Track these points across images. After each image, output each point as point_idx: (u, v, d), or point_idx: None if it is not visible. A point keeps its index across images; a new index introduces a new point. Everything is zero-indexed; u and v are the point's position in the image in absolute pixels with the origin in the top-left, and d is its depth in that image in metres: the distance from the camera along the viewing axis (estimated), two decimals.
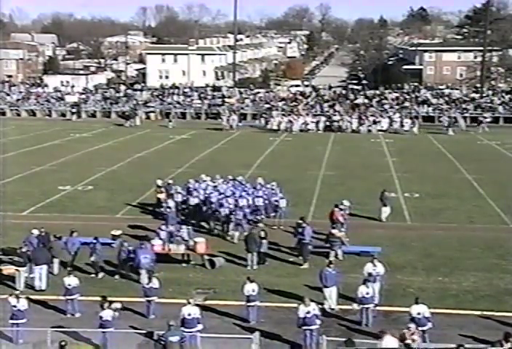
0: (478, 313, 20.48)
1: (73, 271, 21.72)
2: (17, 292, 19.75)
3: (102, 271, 23.81)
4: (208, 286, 22.63)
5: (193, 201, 29.92)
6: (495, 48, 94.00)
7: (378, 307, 20.36)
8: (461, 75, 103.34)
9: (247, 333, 18.40)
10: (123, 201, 33.97)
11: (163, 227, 25.81)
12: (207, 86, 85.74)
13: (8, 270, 22.83)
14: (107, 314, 18.22)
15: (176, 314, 18.38)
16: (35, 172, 41.58)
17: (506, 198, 34.68)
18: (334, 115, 63.23)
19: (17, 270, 22.59)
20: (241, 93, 75.10)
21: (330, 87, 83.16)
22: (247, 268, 24.27)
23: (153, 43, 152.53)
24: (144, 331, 18.54)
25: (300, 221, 25.89)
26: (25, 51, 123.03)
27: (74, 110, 69.40)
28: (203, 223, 29.37)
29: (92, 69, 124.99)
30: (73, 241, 24.42)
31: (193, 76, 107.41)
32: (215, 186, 31.05)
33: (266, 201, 29.81)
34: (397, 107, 66.89)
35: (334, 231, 25.56)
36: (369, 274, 21.19)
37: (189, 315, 18.19)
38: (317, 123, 61.72)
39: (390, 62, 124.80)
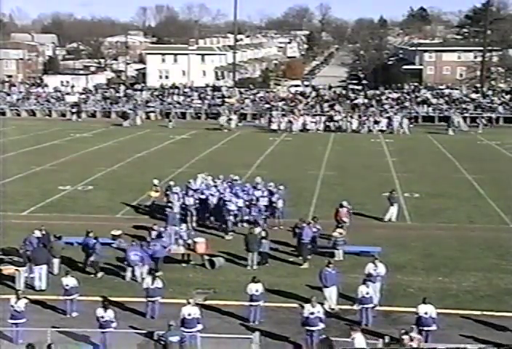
0: (478, 313, 20.48)
1: (71, 271, 21.71)
2: (19, 292, 19.73)
3: (102, 271, 23.82)
4: (208, 286, 22.62)
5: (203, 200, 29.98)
6: (495, 48, 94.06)
7: (378, 307, 20.36)
8: (461, 75, 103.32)
9: (247, 333, 18.39)
10: (123, 201, 33.97)
11: (155, 227, 25.84)
12: (207, 86, 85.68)
13: (8, 270, 22.81)
14: (108, 314, 18.23)
15: (176, 314, 18.39)
16: (35, 172, 41.57)
17: (506, 198, 34.68)
18: (335, 115, 63.26)
19: (17, 270, 22.57)
20: (241, 93, 75.07)
21: (330, 87, 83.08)
22: (247, 268, 24.27)
23: (153, 43, 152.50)
24: (144, 331, 18.54)
25: (300, 221, 25.98)
26: (25, 51, 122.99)
27: (74, 110, 69.42)
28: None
29: (92, 69, 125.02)
30: (88, 241, 24.33)
31: (193, 76, 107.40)
32: (215, 186, 31.12)
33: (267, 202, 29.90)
34: (397, 107, 66.91)
35: (339, 230, 25.64)
36: (369, 274, 21.20)
37: (189, 315, 18.20)
38: (317, 123, 61.76)
39: (390, 62, 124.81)
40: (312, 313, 18.27)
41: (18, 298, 18.95)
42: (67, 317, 20.32)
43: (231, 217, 28.52)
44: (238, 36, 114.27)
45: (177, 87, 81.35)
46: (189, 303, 18.52)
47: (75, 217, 31.09)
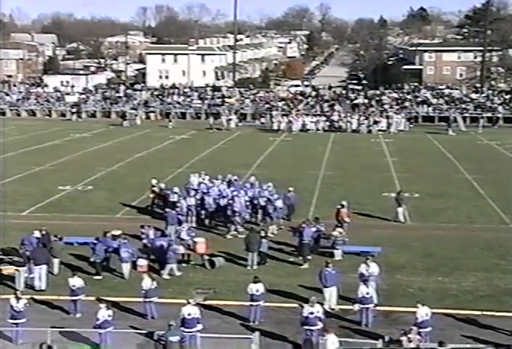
0: (478, 313, 20.48)
1: (77, 272, 21.72)
2: (18, 292, 19.73)
3: (103, 271, 23.81)
4: (208, 286, 22.62)
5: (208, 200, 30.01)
6: (495, 48, 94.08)
7: (378, 307, 20.35)
8: (461, 75, 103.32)
9: (247, 333, 18.39)
10: (123, 201, 33.97)
11: (145, 228, 25.87)
12: (207, 86, 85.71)
13: (8, 270, 22.82)
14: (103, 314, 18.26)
15: (176, 314, 18.38)
16: (35, 172, 41.58)
17: (506, 198, 34.68)
18: (334, 115, 63.25)
19: (17, 270, 22.58)
20: (241, 93, 75.09)
21: (330, 87, 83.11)
22: (247, 268, 24.27)
23: (153, 43, 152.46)
24: (144, 331, 18.54)
25: (301, 222, 26.02)
26: (25, 51, 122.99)
27: (74, 110, 69.42)
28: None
29: (92, 69, 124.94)
30: (106, 242, 24.33)
31: (193, 76, 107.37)
32: (214, 186, 31.18)
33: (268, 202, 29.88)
34: (397, 107, 66.93)
35: (339, 230, 25.64)
36: (362, 274, 21.21)
37: (189, 315, 18.19)
38: (317, 123, 61.77)
39: (390, 62, 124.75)
40: (311, 313, 18.28)
41: (18, 298, 18.95)
42: (67, 317, 20.32)
43: (237, 218, 28.44)
44: (238, 36, 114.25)
45: (177, 87, 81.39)
46: (189, 303, 18.51)
47: (75, 217, 31.10)
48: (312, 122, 61.78)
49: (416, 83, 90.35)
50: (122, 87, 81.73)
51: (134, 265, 23.76)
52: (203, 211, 29.89)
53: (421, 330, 17.73)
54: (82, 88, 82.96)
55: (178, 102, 71.91)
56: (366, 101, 69.69)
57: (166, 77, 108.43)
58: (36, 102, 73.38)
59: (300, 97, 72.32)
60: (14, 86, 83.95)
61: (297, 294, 21.60)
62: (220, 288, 22.54)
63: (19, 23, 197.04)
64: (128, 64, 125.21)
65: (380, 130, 60.54)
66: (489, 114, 64.97)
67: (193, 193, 30.35)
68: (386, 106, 66.92)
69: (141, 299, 20.45)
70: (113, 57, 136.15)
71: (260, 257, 24.70)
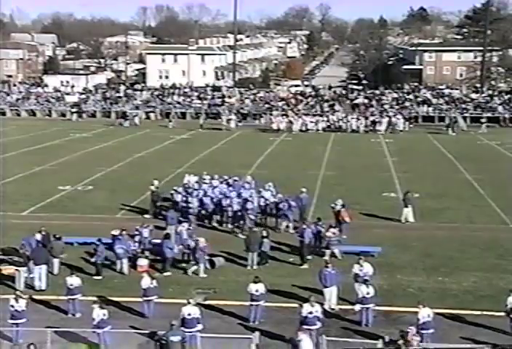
0: (478, 313, 20.48)
1: (76, 271, 21.72)
2: (18, 292, 19.72)
3: (103, 271, 23.82)
4: (208, 286, 22.63)
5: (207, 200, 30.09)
6: (495, 48, 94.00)
7: (378, 307, 20.33)
8: (461, 75, 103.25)
9: (247, 333, 18.39)
10: (123, 201, 33.95)
11: (143, 226, 25.95)
12: (207, 86, 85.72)
13: (8, 270, 22.82)
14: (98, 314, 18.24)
15: (176, 314, 18.38)
16: (35, 172, 41.58)
17: (506, 198, 34.68)
18: (334, 115, 63.21)
19: (17, 270, 22.58)
20: (241, 93, 75.09)
21: (330, 87, 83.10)
22: (247, 268, 24.28)
23: (153, 43, 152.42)
24: (144, 331, 18.54)
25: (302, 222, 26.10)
26: (25, 51, 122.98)
27: (74, 110, 69.41)
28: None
29: (92, 69, 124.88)
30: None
31: (193, 76, 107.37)
32: (215, 186, 31.20)
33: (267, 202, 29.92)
34: (397, 107, 66.92)
35: (333, 230, 25.62)
36: (356, 275, 21.20)
37: (189, 315, 18.19)
38: (317, 123, 61.75)
39: (390, 62, 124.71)
40: (310, 313, 18.29)
41: (18, 298, 18.94)
42: (67, 317, 20.32)
43: (252, 216, 28.43)
44: (238, 36, 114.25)
45: (177, 87, 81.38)
46: (189, 303, 18.52)
47: (75, 217, 31.10)
48: (312, 122, 61.77)
49: (416, 83, 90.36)
50: (122, 87, 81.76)
51: (134, 265, 23.76)
52: (203, 211, 29.94)
53: (423, 331, 17.71)
54: (82, 88, 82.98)
55: (178, 102, 71.90)
56: (366, 101, 69.68)
57: (166, 77, 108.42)
58: (36, 102, 73.38)
59: (300, 97, 72.31)
60: (14, 86, 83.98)
61: (297, 294, 21.59)
62: (220, 288, 22.54)
63: (19, 23, 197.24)
64: (128, 64, 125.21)
65: (379, 130, 60.46)
66: (489, 114, 64.93)
67: (195, 193, 30.36)
68: (386, 106, 66.92)
69: (141, 299, 20.47)
70: (113, 57, 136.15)
71: (260, 257, 24.71)
